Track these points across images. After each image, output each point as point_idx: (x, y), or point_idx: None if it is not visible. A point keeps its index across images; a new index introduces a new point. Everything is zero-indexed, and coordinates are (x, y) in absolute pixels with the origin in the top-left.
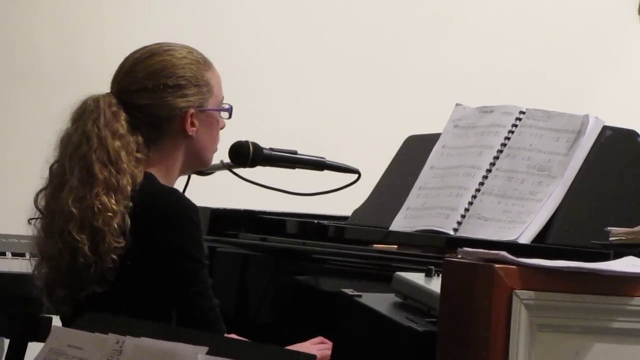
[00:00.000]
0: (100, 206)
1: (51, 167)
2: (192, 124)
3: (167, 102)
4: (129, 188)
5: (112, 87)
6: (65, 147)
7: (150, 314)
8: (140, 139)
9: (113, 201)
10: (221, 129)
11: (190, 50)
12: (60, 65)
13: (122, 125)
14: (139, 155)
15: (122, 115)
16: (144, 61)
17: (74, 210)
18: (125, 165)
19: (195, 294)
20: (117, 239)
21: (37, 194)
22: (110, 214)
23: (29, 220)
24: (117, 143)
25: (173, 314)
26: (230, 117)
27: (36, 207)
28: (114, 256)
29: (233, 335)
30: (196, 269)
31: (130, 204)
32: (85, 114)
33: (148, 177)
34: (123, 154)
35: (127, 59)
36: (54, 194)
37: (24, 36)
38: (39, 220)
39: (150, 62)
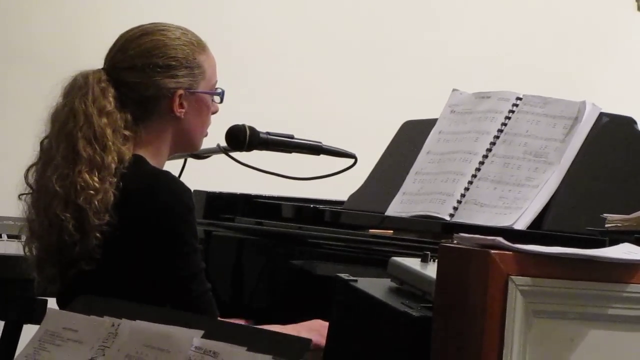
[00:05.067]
0: (83, 184)
1: (42, 143)
2: (181, 106)
3: (156, 81)
4: (113, 166)
5: (104, 63)
6: (54, 124)
7: (141, 295)
8: (129, 116)
9: (96, 179)
10: (213, 113)
11: (185, 32)
12: (58, 47)
13: (109, 102)
14: (127, 132)
15: (111, 92)
16: (136, 39)
17: (58, 188)
18: (111, 143)
19: (187, 278)
20: (100, 215)
21: (28, 170)
22: (92, 192)
23: (19, 196)
24: (104, 120)
25: (165, 298)
26: (221, 101)
27: (27, 182)
28: (98, 234)
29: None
30: (188, 253)
31: (117, 180)
32: (74, 90)
33: (138, 159)
34: (109, 131)
35: (121, 36)
36: (43, 171)
37: (20, 18)
38: (29, 195)
39: (142, 41)
